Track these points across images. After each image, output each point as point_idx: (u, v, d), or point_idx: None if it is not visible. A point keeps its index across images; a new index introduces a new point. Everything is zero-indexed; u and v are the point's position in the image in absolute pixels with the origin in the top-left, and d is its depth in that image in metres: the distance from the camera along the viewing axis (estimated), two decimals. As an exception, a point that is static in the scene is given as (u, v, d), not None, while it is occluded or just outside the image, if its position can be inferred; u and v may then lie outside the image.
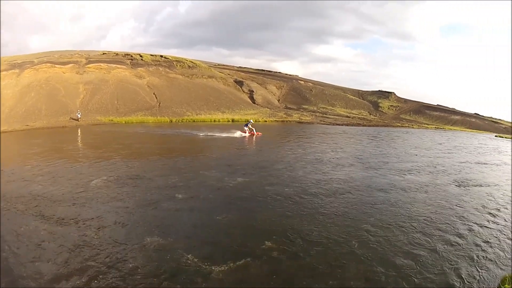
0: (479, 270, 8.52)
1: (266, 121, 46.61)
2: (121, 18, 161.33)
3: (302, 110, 60.49)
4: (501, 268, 8.81)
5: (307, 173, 16.58)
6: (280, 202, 11.80)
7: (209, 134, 29.36)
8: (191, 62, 52.62)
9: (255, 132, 31.53)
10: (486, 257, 9.33)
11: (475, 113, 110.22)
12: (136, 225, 8.77)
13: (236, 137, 29.65)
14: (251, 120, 33.54)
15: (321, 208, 11.61)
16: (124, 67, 44.88)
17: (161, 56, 50.67)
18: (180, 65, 50.49)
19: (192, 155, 19.24)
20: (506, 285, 7.35)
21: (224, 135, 30.12)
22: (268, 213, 10.52)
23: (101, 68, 41.71)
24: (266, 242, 8.26)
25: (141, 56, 48.00)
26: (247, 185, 13.38)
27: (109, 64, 43.30)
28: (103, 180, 12.49)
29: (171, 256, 7.12)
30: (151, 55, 50.00)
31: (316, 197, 12.80)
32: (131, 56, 47.72)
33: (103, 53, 45.99)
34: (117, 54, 46.89)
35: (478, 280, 7.93)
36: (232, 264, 7.04)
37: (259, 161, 18.71)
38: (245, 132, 30.78)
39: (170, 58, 51.38)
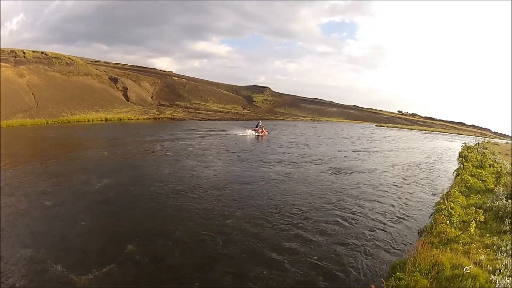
0: (366, 259, 8.91)
1: (138, 119, 52.22)
2: (13, 12, 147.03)
3: (175, 106, 69.44)
4: (390, 254, 9.40)
5: (173, 171, 17.41)
6: (144, 202, 12.36)
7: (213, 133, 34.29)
8: (69, 58, 57.02)
9: (263, 130, 40.04)
10: (371, 244, 9.84)
11: (354, 105, 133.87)
12: (10, 238, 8.99)
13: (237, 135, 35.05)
14: (260, 121, 42.64)
15: (185, 206, 12.09)
16: (8, 65, 46.86)
17: (42, 52, 53.39)
18: (58, 62, 54.45)
19: (64, 158, 20.04)
20: (397, 273, 7.64)
21: (235, 133, 36.09)
22: (131, 215, 11.07)
23: (-12, 67, 42.71)
24: (129, 245, 8.80)
25: (24, 52, 50.29)
26: (112, 187, 13.94)
27: (-5, 63, 44.54)
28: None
29: (43, 267, 7.71)
30: (33, 51, 52.30)
31: (180, 195, 13.38)
32: (15, 52, 49.67)
33: (-8, 50, 46.39)
34: (3, 51, 48.25)
35: (366, 269, 8.47)
36: (97, 272, 7.60)
37: (125, 161, 19.61)
38: (257, 132, 39.30)
39: (50, 54, 54.47)
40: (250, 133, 39.09)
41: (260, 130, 40.11)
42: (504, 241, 10.20)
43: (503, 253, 9.41)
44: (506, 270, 8.17)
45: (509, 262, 8.67)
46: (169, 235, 9.75)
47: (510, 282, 7.36)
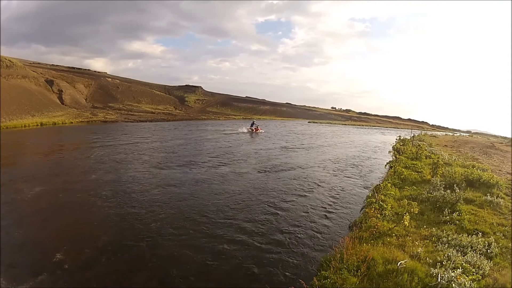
0: (292, 258, 9.16)
1: (72, 122, 55.81)
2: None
3: (108, 108, 73.83)
4: (319, 251, 9.67)
5: (101, 176, 17.90)
6: (71, 209, 13.10)
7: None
8: (9, 61, 59.63)
9: (258, 128, 49.42)
10: (300, 242, 10.22)
11: (287, 103, 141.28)
12: None
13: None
14: (254, 120, 51.54)
15: (110, 211, 12.80)
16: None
17: (-14, 55, 54.69)
18: (-1, 65, 56.22)
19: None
20: (323, 272, 7.59)
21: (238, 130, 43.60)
22: (59, 223, 11.77)
23: None
24: (58, 254, 9.23)
25: (-31, 56, 51.32)
26: (43, 195, 14.58)
27: None
28: None
29: (-14, 281, 7.63)
30: (-23, 54, 53.39)
31: (106, 200, 14.13)
32: (-39, 56, 50.51)
33: None
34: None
35: (291, 268, 8.63)
36: (31, 282, 7.98)
37: (56, 168, 19.95)
38: (253, 130, 48.19)
39: (-8, 57, 55.81)
40: (246, 130, 49.14)
41: (254, 129, 50.62)
42: (445, 231, 9.78)
43: (445, 244, 8.97)
44: (449, 262, 7.45)
45: (452, 253, 8.10)
46: (95, 242, 10.13)
47: (455, 275, 6.49)
